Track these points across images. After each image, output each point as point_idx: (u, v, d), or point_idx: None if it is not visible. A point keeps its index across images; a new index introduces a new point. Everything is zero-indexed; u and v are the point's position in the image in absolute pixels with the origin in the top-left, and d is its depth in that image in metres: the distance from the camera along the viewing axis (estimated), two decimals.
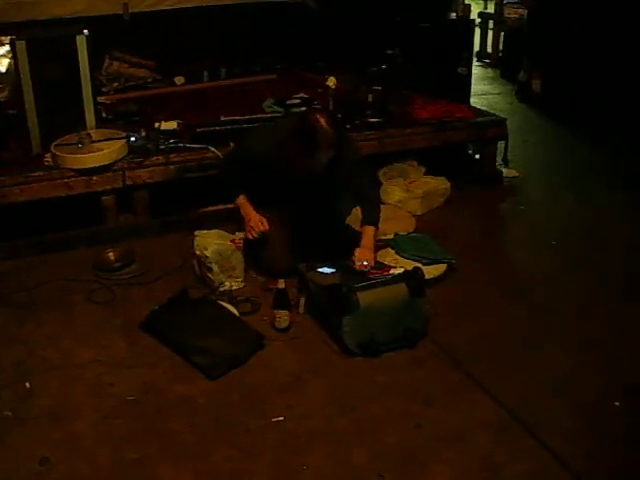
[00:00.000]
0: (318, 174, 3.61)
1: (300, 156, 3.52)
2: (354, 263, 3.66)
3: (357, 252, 3.69)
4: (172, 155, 4.49)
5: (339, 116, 4.28)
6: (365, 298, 3.29)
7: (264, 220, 3.75)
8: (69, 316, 3.65)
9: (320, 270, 3.65)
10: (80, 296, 3.80)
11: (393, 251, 4.04)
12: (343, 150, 3.64)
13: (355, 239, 3.82)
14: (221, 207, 4.53)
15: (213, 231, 3.97)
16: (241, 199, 3.87)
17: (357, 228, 3.92)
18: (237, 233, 4.00)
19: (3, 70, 4.99)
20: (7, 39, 4.64)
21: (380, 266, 3.75)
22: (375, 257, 3.75)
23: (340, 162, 3.61)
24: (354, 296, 3.26)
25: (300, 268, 3.67)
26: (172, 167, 4.48)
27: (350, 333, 3.28)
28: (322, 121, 3.48)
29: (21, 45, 4.30)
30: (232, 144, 4.39)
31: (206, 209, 4.61)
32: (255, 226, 3.75)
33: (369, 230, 3.79)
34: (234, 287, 3.83)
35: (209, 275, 3.80)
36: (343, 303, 3.28)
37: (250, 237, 3.75)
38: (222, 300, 3.66)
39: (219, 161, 4.25)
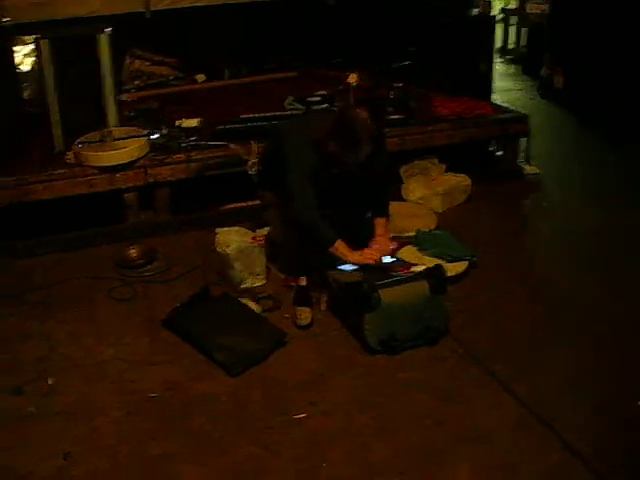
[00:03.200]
0: (361, 170, 3.55)
1: (343, 152, 3.46)
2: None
3: (375, 242, 3.73)
4: (193, 153, 4.49)
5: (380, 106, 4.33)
6: (386, 295, 3.27)
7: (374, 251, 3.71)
8: (91, 313, 3.66)
9: (341, 267, 3.62)
10: (102, 293, 3.80)
11: (415, 248, 4.03)
12: (383, 142, 3.68)
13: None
14: (242, 204, 4.54)
15: (234, 228, 3.94)
16: (339, 244, 3.62)
17: None
18: (258, 230, 3.99)
19: (27, 69, 5.03)
20: (31, 38, 4.68)
21: (402, 263, 3.78)
22: (392, 247, 3.82)
23: (380, 155, 3.61)
24: (375, 293, 3.25)
25: (321, 266, 3.64)
26: (193, 165, 4.47)
27: (371, 330, 3.26)
28: (363, 115, 3.46)
29: (45, 44, 4.32)
30: (252, 143, 4.41)
31: (227, 206, 4.62)
32: (373, 255, 3.70)
33: (382, 221, 3.84)
34: (255, 284, 3.82)
35: (230, 273, 3.78)
36: (364, 301, 3.26)
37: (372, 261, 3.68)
38: (243, 297, 3.65)
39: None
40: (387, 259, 3.70)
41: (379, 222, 3.82)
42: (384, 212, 3.86)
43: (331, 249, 3.53)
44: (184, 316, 3.48)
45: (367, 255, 3.59)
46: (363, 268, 3.61)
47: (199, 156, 4.51)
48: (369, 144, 3.42)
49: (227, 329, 3.36)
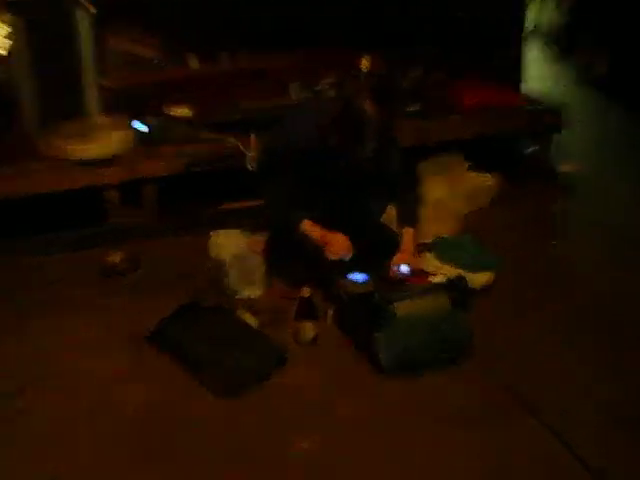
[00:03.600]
0: (370, 165, 3.63)
1: (347, 145, 3.53)
2: (390, 269, 3.70)
3: (395, 258, 3.71)
4: (184, 146, 4.45)
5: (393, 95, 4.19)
6: (401, 309, 3.28)
7: (347, 242, 3.71)
8: (69, 324, 3.63)
9: (351, 277, 3.64)
10: (81, 303, 3.79)
11: (433, 256, 4.01)
12: (394, 138, 3.72)
13: (393, 241, 3.84)
14: (240, 204, 4.50)
15: (231, 232, 3.98)
16: (307, 224, 3.74)
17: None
18: (257, 234, 4.01)
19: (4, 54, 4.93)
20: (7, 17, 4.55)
21: (419, 273, 3.78)
22: (416, 262, 3.80)
23: (391, 151, 3.67)
24: (389, 307, 3.26)
25: (328, 275, 3.66)
26: (184, 159, 4.43)
27: (383, 348, 3.25)
28: (371, 106, 3.47)
29: (18, 22, 4.31)
30: (252, 135, 4.37)
31: (223, 206, 4.58)
32: (340, 249, 3.72)
33: (408, 232, 3.81)
34: (253, 295, 3.82)
35: (225, 281, 3.78)
36: (376, 314, 3.27)
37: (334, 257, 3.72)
38: (239, 310, 3.65)
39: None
40: (404, 268, 3.73)
41: (406, 232, 3.81)
42: (412, 219, 3.84)
43: (300, 229, 3.64)
44: (171, 330, 3.46)
45: (335, 241, 3.65)
46: (376, 279, 3.68)
47: (191, 149, 4.45)
48: (375, 139, 3.46)
49: (220, 345, 3.33)
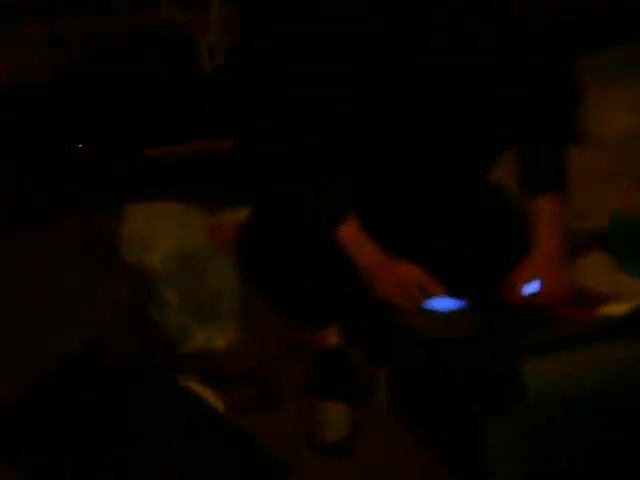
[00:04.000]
0: (451, 65, 2.61)
1: (387, 21, 2.59)
2: (510, 289, 2.72)
3: (523, 268, 2.73)
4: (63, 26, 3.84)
5: None
6: (539, 375, 2.49)
7: (425, 279, 2.71)
8: None
9: (431, 305, 2.68)
10: None
11: (606, 256, 3.24)
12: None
13: (518, 228, 2.82)
14: (185, 147, 3.89)
15: (168, 205, 3.15)
16: (350, 227, 2.71)
17: None
18: (224, 212, 3.28)
19: None
20: None
21: (576, 296, 2.86)
22: (565, 272, 2.76)
23: (502, 20, 2.68)
24: (513, 370, 2.51)
25: (377, 302, 2.74)
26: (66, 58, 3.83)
27: (497, 458, 2.50)
28: None
29: None
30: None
31: (149, 152, 3.87)
32: (412, 297, 2.70)
33: (548, 207, 2.73)
34: (218, 342, 3.00)
35: (157, 312, 3.03)
36: (489, 383, 2.54)
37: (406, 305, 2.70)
38: (186, 376, 2.85)
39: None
40: (534, 284, 2.75)
41: (544, 207, 2.75)
42: (555, 181, 2.79)
43: (336, 234, 2.69)
44: (33, 430, 2.67)
45: (403, 278, 2.71)
46: (482, 305, 2.74)
47: (77, 42, 3.86)
48: None
49: (152, 461, 2.57)
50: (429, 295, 2.68)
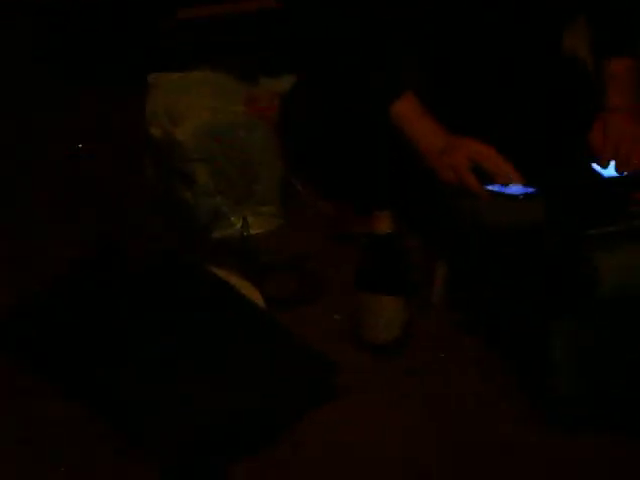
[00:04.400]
0: None
1: None
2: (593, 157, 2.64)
3: (599, 127, 2.67)
4: None
5: None
6: (616, 269, 2.18)
7: (501, 159, 2.57)
8: None
9: (497, 189, 2.54)
10: None
11: None
12: None
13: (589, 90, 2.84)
14: (225, 5, 3.63)
15: (196, 74, 2.98)
16: (407, 102, 2.65)
17: None
18: (262, 82, 3.05)
19: None
20: None
21: None
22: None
23: None
24: (588, 262, 2.21)
25: (439, 189, 2.67)
26: None
27: (564, 362, 2.23)
28: None
29: None
30: None
31: (182, 11, 3.65)
32: (501, 171, 2.57)
33: (618, 68, 2.74)
34: (255, 228, 2.78)
35: (189, 196, 2.83)
36: (557, 276, 2.24)
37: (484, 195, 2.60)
38: (223, 267, 2.57)
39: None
40: (609, 170, 2.65)
41: (615, 68, 2.72)
42: (621, 46, 2.77)
43: (390, 109, 2.61)
44: (44, 326, 2.35)
45: (481, 155, 2.57)
46: (551, 187, 2.56)
47: None
48: None
49: (181, 362, 2.23)
50: (500, 177, 2.53)
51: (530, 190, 2.44)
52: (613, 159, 2.58)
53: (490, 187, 2.47)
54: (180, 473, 2.07)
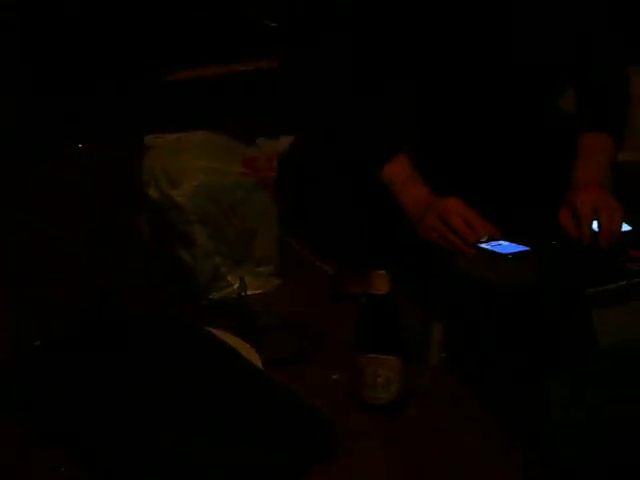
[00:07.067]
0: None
1: None
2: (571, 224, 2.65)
3: (577, 195, 2.66)
4: None
5: None
6: (612, 329, 2.30)
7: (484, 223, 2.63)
8: None
9: (491, 247, 2.54)
10: None
11: None
12: None
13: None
14: (224, 67, 3.77)
15: (194, 135, 2.99)
16: (398, 165, 2.70)
17: None
18: (260, 143, 3.04)
19: None
20: None
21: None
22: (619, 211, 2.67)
23: None
24: (584, 320, 2.30)
25: (431, 245, 2.69)
26: None
27: (565, 410, 2.27)
28: None
29: None
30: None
31: (181, 74, 3.78)
32: (465, 229, 2.61)
33: (594, 141, 2.75)
34: (252, 288, 2.83)
35: (187, 257, 2.85)
36: (554, 334, 2.33)
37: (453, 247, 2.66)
38: (221, 327, 2.59)
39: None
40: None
41: (594, 143, 2.74)
42: (614, 118, 2.80)
43: (382, 171, 2.70)
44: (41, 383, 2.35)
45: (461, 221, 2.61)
46: (543, 245, 2.60)
47: None
48: None
49: (175, 417, 2.24)
50: (480, 234, 2.55)
51: (521, 248, 2.44)
52: (591, 238, 2.57)
53: (483, 245, 2.48)
54: None
